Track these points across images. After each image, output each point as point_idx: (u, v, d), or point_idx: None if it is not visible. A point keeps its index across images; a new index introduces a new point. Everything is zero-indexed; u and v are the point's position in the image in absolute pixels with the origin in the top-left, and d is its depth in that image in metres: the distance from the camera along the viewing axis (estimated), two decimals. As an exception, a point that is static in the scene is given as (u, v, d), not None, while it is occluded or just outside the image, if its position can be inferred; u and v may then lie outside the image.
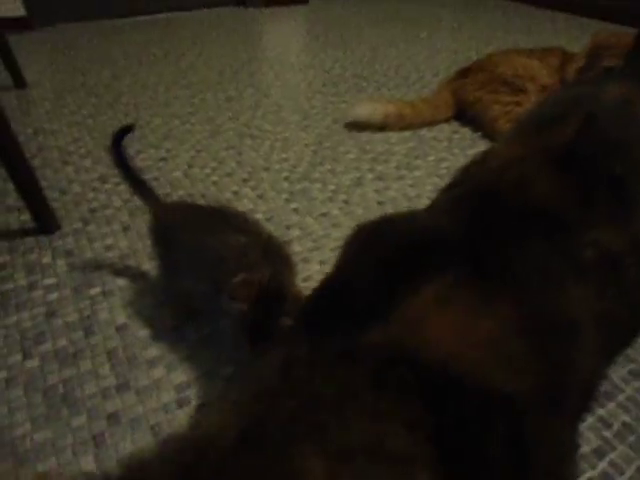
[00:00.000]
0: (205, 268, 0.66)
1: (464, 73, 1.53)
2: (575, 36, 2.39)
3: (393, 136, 1.41)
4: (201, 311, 0.81)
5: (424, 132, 1.44)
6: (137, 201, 1.07)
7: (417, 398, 0.30)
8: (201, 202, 1.06)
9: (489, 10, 2.90)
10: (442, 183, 1.19)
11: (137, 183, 0.82)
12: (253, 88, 1.73)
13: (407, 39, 2.32)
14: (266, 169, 1.24)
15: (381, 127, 1.43)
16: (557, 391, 0.33)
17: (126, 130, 0.83)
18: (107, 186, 1.16)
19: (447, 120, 1.51)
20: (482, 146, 1.37)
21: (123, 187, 1.14)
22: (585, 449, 0.64)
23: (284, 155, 1.30)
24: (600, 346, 0.36)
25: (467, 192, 0.40)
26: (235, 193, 1.14)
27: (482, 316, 0.32)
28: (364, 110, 1.39)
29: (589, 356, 0.35)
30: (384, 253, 0.38)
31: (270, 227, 1.03)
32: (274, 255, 0.63)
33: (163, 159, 1.28)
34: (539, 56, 1.49)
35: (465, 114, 1.49)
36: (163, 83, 1.76)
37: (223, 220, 0.69)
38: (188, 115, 1.52)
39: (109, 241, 0.98)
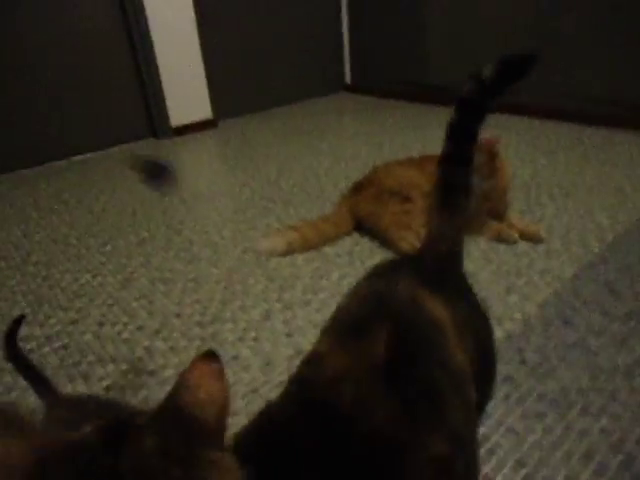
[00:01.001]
0: None
1: (357, 189, 1.69)
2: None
3: (299, 258, 1.51)
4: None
5: (327, 249, 1.55)
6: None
7: None
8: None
9: (384, 112, 3.24)
10: (345, 302, 1.27)
11: (33, 378, 0.82)
12: (165, 226, 1.80)
13: (310, 151, 2.54)
14: (178, 316, 1.27)
15: (288, 253, 1.52)
16: None
17: (18, 322, 0.85)
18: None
19: (348, 233, 1.63)
20: (379, 255, 1.49)
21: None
22: None
23: (196, 296, 1.35)
24: None
25: (305, 402, 0.45)
26: (147, 349, 1.16)
27: None
28: (266, 245, 1.50)
29: None
30: None
31: (181, 382, 1.04)
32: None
33: (73, 322, 1.28)
34: (417, 165, 1.69)
35: (363, 226, 1.62)
36: (75, 233, 1.80)
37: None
38: (100, 266, 1.55)
39: None
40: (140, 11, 2.70)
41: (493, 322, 1.15)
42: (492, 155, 1.45)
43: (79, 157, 2.79)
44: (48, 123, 2.66)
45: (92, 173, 2.49)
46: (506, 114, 2.90)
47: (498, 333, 1.12)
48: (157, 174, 1.59)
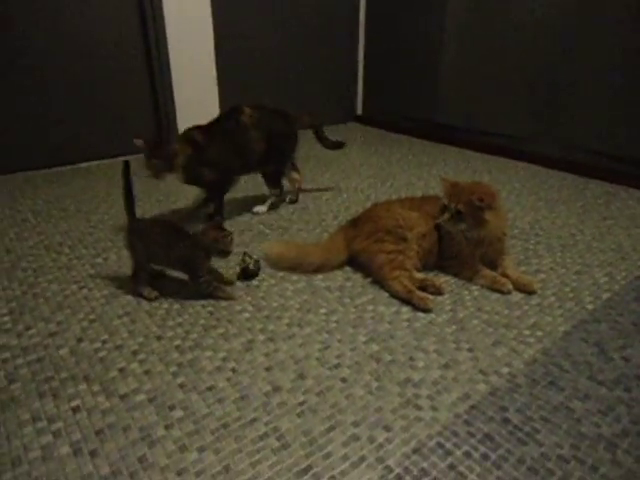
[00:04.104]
0: None
1: (354, 223, 1.68)
2: (462, 168, 2.72)
3: (289, 288, 1.49)
4: None
5: (318, 281, 1.53)
6: (14, 390, 1.02)
7: None
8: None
9: (391, 146, 3.26)
10: (330, 340, 1.25)
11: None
12: (159, 243, 1.79)
13: (313, 180, 2.54)
14: (159, 338, 1.25)
15: (279, 263, 1.56)
16: None
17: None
18: (-16, 373, 1.11)
19: (341, 265, 1.61)
20: (371, 293, 1.47)
21: (1, 373, 1.10)
22: None
23: (179, 319, 1.33)
24: None
25: None
26: (121, 371, 1.13)
27: None
28: (271, 250, 1.61)
29: None
30: None
31: (151, 409, 1.01)
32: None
33: (52, 334, 1.26)
34: (417, 206, 1.68)
35: (356, 261, 1.61)
36: (68, 242, 1.79)
37: None
38: (87, 278, 1.54)
39: (-28, 446, 0.92)
40: (161, 38, 2.76)
41: (478, 374, 1.12)
42: (478, 208, 1.45)
43: (85, 164, 2.81)
44: (58, 127, 2.68)
45: (96, 182, 2.50)
46: (512, 160, 2.91)
47: (482, 387, 1.09)
48: None
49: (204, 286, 1.40)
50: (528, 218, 2.05)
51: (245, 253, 1.54)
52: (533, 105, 2.78)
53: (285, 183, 2.17)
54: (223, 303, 1.40)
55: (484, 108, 3.05)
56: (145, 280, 1.43)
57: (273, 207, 2.14)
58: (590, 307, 1.41)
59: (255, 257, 1.55)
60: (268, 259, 1.61)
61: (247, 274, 1.53)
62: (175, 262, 1.40)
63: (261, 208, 2.11)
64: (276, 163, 2.05)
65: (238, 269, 1.54)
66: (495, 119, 3.00)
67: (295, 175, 2.20)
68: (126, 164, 1.38)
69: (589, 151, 2.58)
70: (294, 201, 2.24)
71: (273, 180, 2.10)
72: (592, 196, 2.32)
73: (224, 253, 1.38)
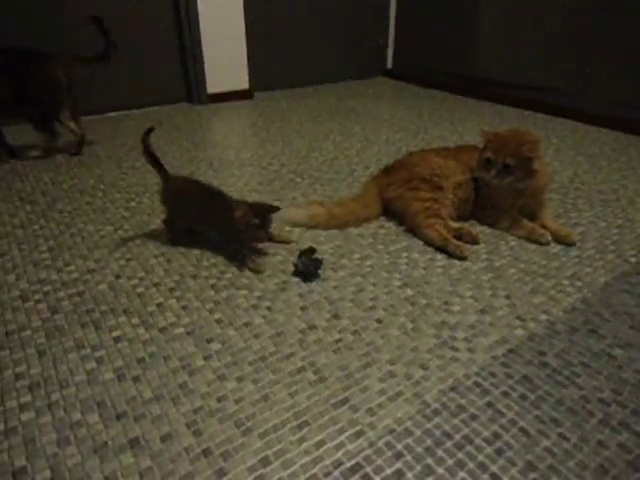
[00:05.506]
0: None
1: (388, 171, 1.64)
2: (497, 123, 2.62)
3: (321, 235, 1.48)
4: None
5: (351, 229, 1.52)
6: (57, 320, 1.07)
7: None
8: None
9: (422, 100, 3.16)
10: (364, 283, 1.24)
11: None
12: (190, 189, 1.79)
13: (343, 132, 2.49)
14: (194, 277, 1.26)
15: (311, 227, 1.50)
16: None
17: (150, 129, 1.35)
18: (28, 304, 1.14)
19: (377, 217, 1.59)
20: (405, 240, 1.45)
21: (44, 305, 1.14)
22: None
23: (213, 260, 1.34)
24: None
25: None
26: (159, 306, 1.15)
27: None
28: (287, 215, 1.49)
29: None
30: None
31: (190, 341, 1.03)
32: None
33: (90, 271, 1.28)
34: (453, 155, 1.62)
35: (389, 209, 1.58)
36: (101, 186, 1.81)
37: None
38: (122, 220, 1.55)
39: (21, 368, 0.96)
40: (188, -28, 2.68)
41: (515, 320, 1.11)
42: (527, 159, 1.39)
43: (113, 114, 2.80)
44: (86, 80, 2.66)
45: (125, 130, 2.49)
46: (548, 115, 2.79)
47: (520, 332, 1.07)
48: None
49: (236, 253, 1.33)
50: (567, 173, 1.97)
51: (306, 251, 1.27)
52: (574, 58, 2.63)
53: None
54: (257, 247, 1.40)
55: (521, 61, 2.91)
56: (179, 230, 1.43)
57: (47, 154, 2.10)
58: (633, 260, 1.36)
59: (316, 256, 1.27)
60: (295, 225, 1.50)
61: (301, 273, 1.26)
62: (213, 225, 1.35)
63: (34, 153, 2.08)
64: (35, 107, 1.95)
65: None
66: (533, 72, 2.86)
67: (71, 125, 2.08)
68: (149, 130, 1.34)
69: (633, 106, 2.45)
70: (74, 154, 2.12)
71: (37, 125, 2.01)
72: (637, 152, 2.21)
73: (256, 236, 1.29)
